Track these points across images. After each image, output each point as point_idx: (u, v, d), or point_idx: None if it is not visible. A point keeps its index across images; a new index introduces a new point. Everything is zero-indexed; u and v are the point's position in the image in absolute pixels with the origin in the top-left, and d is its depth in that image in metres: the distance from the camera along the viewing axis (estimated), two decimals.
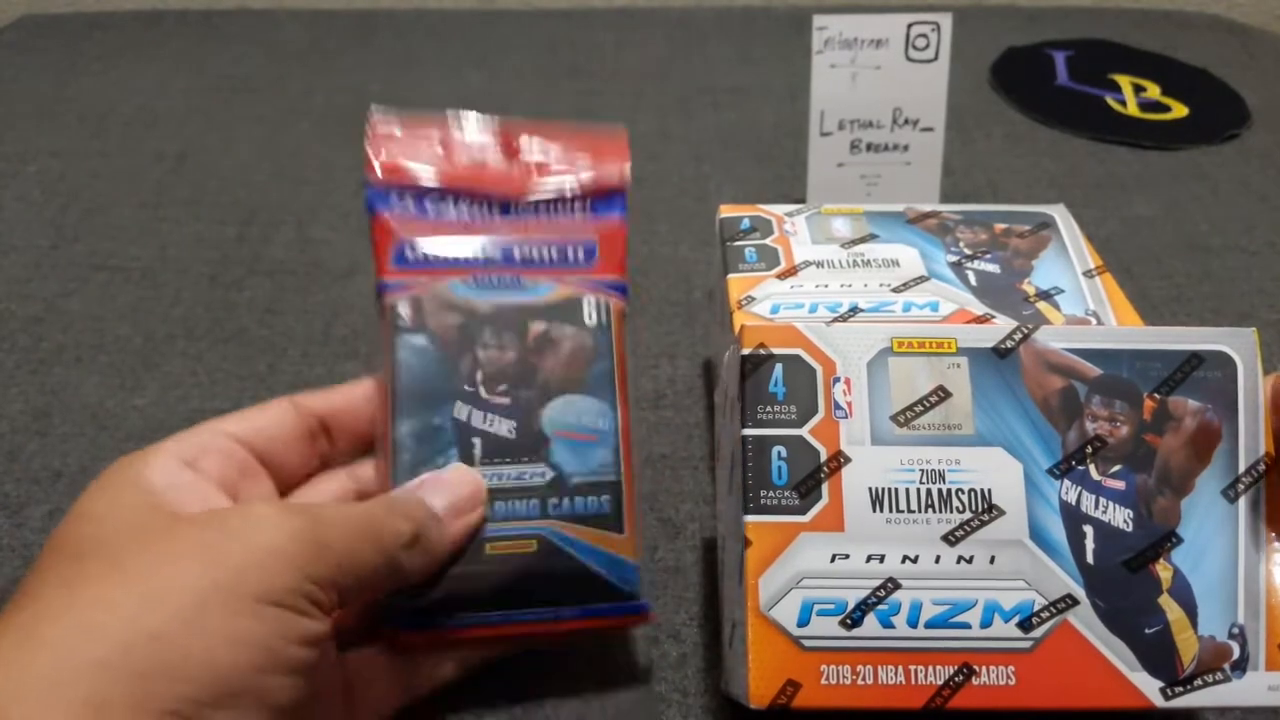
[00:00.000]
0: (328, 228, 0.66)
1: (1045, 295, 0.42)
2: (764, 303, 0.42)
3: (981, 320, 0.41)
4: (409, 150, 0.39)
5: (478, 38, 0.91)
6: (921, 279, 0.43)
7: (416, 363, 0.36)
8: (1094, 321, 0.41)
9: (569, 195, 0.39)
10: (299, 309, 0.58)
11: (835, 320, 0.41)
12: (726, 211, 0.48)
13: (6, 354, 0.55)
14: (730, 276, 0.44)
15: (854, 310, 0.41)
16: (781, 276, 0.44)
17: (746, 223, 0.47)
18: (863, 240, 0.46)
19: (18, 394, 0.53)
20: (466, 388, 0.36)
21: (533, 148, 0.40)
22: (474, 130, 0.39)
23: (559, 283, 0.38)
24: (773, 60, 0.88)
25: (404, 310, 0.36)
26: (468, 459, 0.35)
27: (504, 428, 0.36)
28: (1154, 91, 0.82)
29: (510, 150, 0.39)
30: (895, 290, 0.42)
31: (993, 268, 0.44)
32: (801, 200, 0.59)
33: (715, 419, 0.42)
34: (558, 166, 0.39)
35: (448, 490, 0.34)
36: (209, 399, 0.52)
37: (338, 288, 0.60)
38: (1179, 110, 0.79)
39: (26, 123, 0.77)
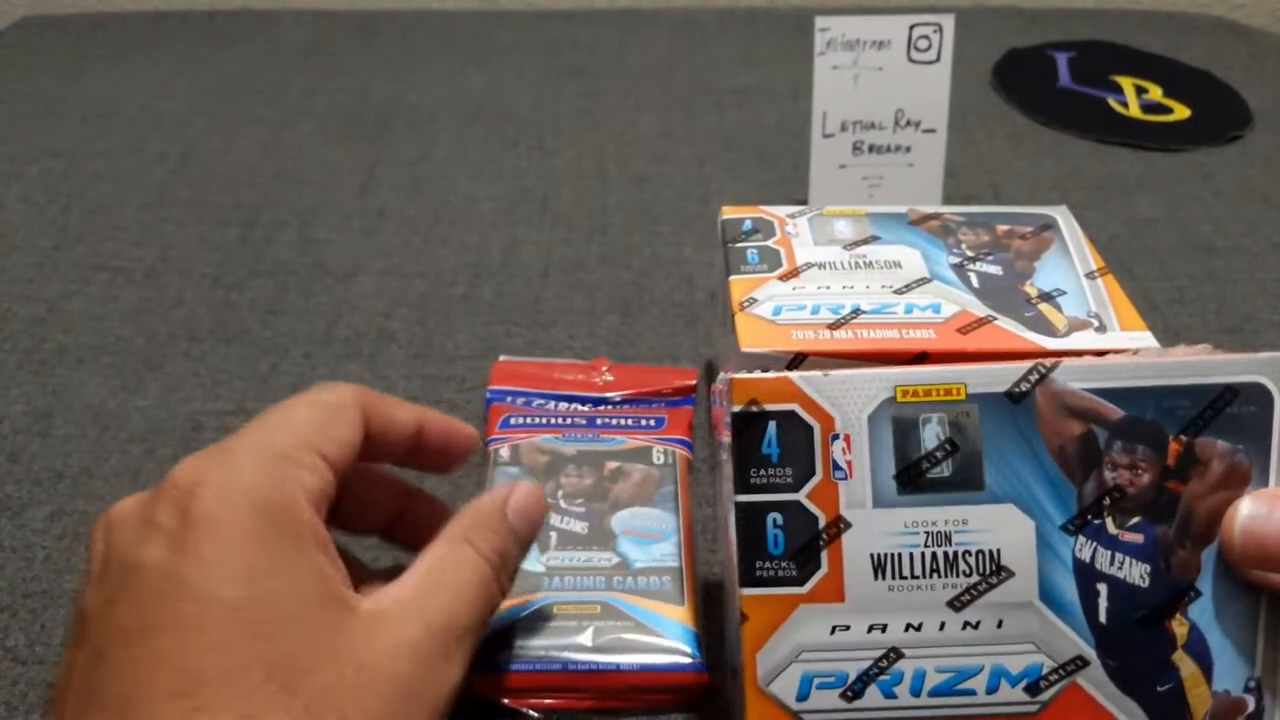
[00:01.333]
0: (330, 228, 0.66)
1: (1047, 297, 0.42)
2: (766, 304, 0.42)
3: (984, 322, 0.41)
4: (521, 371, 0.51)
5: (480, 38, 0.91)
6: (923, 280, 0.43)
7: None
8: (1096, 323, 0.41)
9: (646, 393, 0.50)
10: (301, 310, 0.58)
11: (836, 322, 0.41)
12: (728, 213, 0.48)
13: (8, 354, 0.55)
14: (732, 278, 0.44)
15: (856, 312, 0.41)
16: (784, 278, 0.44)
17: (748, 224, 0.47)
18: (865, 242, 0.46)
19: (19, 395, 0.53)
20: (548, 500, 0.42)
21: (616, 371, 0.51)
22: (572, 366, 0.51)
23: (631, 439, 0.46)
24: (775, 61, 0.88)
25: (503, 452, 0.46)
26: (544, 547, 0.41)
27: (577, 526, 0.42)
28: (1156, 93, 0.82)
29: (601, 371, 0.51)
30: (897, 292, 0.42)
31: (995, 269, 0.44)
32: (803, 202, 0.59)
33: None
34: (636, 378, 0.51)
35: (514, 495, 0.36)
36: (211, 400, 0.52)
37: (340, 288, 0.60)
38: (1181, 112, 0.79)
39: (29, 123, 0.77)
